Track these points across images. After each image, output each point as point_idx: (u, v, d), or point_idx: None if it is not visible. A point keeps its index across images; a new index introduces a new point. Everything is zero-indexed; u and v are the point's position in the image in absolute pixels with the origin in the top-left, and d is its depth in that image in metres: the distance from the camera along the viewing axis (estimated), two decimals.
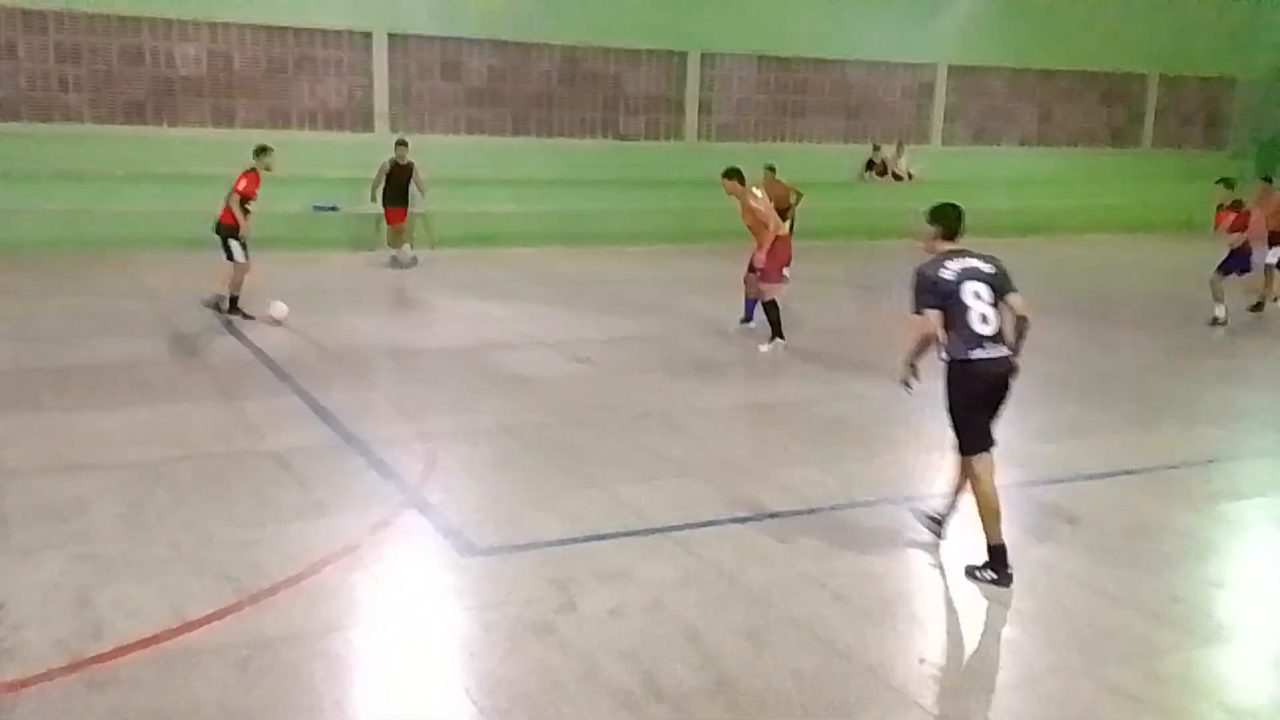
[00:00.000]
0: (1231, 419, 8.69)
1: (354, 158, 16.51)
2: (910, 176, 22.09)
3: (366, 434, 7.44)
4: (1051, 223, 21.90)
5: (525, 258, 16.96)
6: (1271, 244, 13.17)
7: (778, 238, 10.90)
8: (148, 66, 16.97)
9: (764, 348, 10.82)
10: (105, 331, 10.68)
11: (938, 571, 5.56)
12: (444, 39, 18.63)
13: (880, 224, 20.60)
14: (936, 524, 5.85)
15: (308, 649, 4.48)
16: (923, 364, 5.49)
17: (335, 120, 18.01)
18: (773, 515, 6.19)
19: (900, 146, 22.08)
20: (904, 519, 6.27)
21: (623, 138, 20.08)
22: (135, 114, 16.94)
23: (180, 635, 4.55)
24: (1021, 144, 23.63)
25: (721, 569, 5.41)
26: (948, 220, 5.53)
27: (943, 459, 7.61)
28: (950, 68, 22.66)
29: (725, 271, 15.42)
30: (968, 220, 5.54)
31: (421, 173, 16.21)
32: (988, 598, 5.23)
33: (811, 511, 6.28)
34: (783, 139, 21.22)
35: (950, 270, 5.31)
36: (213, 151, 16.77)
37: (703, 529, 5.93)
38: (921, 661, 4.58)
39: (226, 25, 17.29)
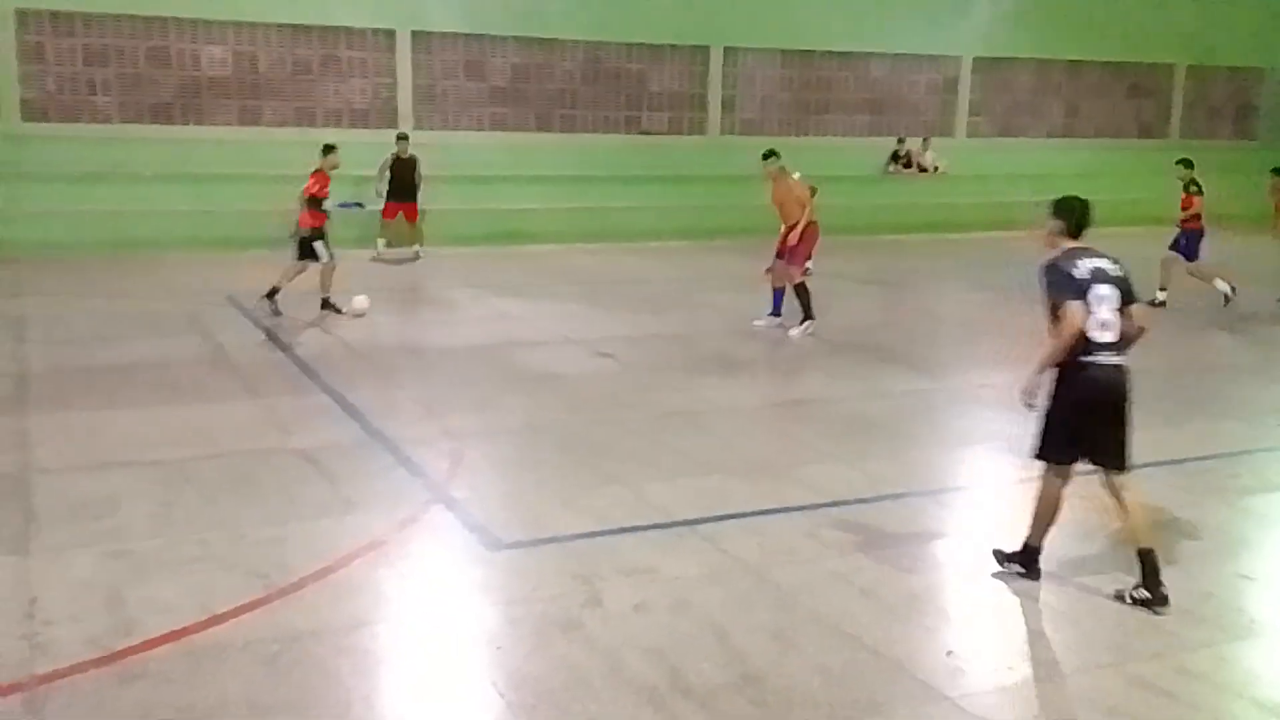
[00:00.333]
0: (1260, 413, 8.59)
1: (379, 156, 16.57)
2: (935, 170, 21.97)
3: (393, 431, 7.48)
4: None
5: (548, 255, 16.98)
6: None
7: (810, 224, 10.89)
8: (175, 68, 17.10)
9: (794, 331, 10.87)
10: (135, 332, 10.78)
11: (965, 567, 5.53)
12: (467, 36, 18.67)
13: (905, 219, 20.51)
14: (1155, 590, 5.00)
15: (335, 644, 4.51)
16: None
17: (360, 119, 18.08)
18: (799, 510, 6.17)
19: (925, 140, 21.95)
20: (928, 512, 6.24)
21: (646, 134, 20.06)
22: (163, 115, 17.07)
23: (209, 630, 4.59)
24: (1048, 137, 23.44)
25: (747, 565, 5.40)
26: (1073, 215, 5.14)
27: (967, 453, 7.62)
28: (975, 60, 22.50)
29: (749, 268, 15.38)
30: (1094, 215, 5.15)
31: (422, 167, 16.23)
32: (1016, 593, 5.20)
33: (837, 505, 6.26)
34: (806, 134, 21.13)
35: (1081, 269, 4.96)
36: (240, 151, 16.92)
37: (728, 525, 5.93)
38: (949, 654, 4.56)
39: (252, 25, 17.39)
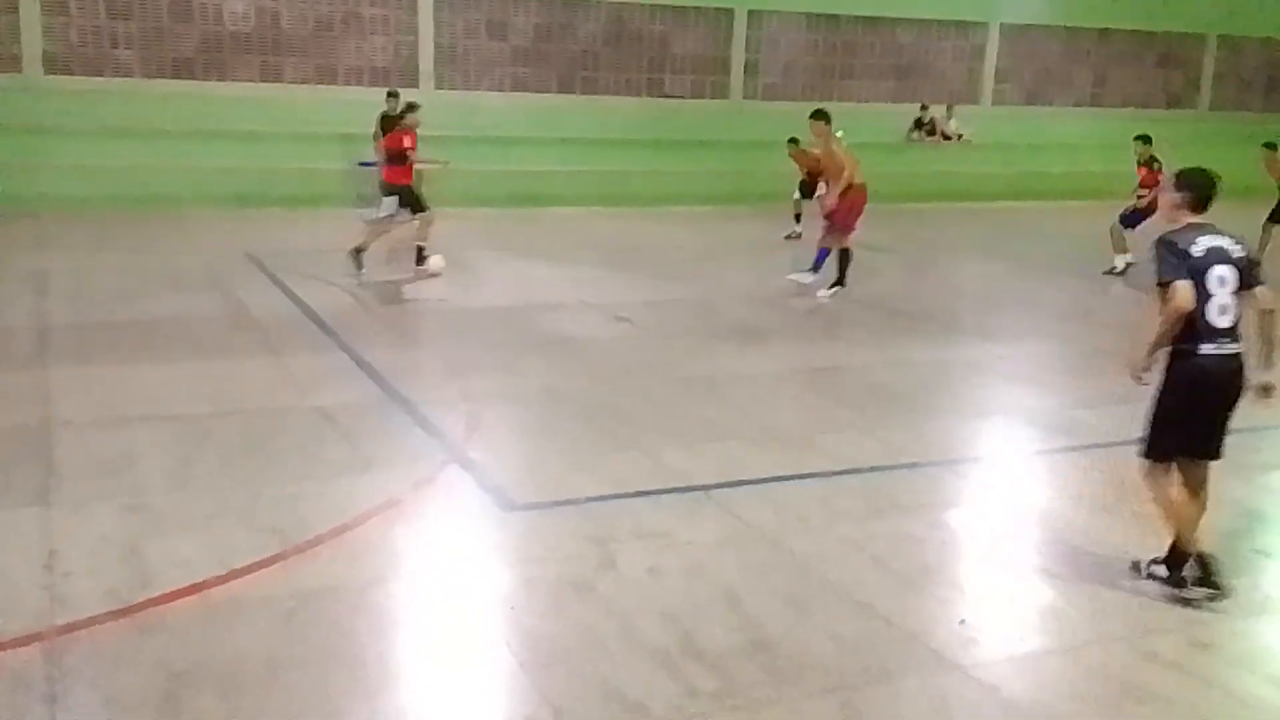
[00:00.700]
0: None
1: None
2: (959, 138, 21.74)
3: (411, 392, 7.50)
4: (1105, 187, 21.37)
5: (569, 218, 16.93)
6: None
7: (851, 186, 10.88)
8: (197, 22, 17.06)
9: (823, 293, 10.87)
10: (156, 288, 10.83)
11: (980, 538, 5.52)
12: None
13: (928, 187, 20.32)
14: (1202, 579, 4.82)
15: (351, 601, 4.54)
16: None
17: (381, 77, 18.01)
18: (815, 476, 6.17)
19: (950, 108, 21.71)
20: (944, 484, 6.22)
21: (668, 98, 19.92)
22: (185, 70, 17.06)
23: (227, 585, 4.64)
24: (1075, 106, 23.14)
25: (763, 531, 5.41)
26: (1198, 188, 4.78)
27: (985, 424, 7.58)
28: (1003, 27, 22.20)
29: (770, 234, 15.34)
30: (1221, 189, 4.81)
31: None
32: (1030, 565, 5.19)
33: (854, 474, 6.25)
34: (830, 99, 20.91)
35: (1200, 245, 4.62)
36: (261, 108, 16.91)
37: (744, 490, 5.92)
38: (962, 623, 4.56)
39: None
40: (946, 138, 21.72)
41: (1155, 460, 4.87)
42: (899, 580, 4.94)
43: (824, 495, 5.92)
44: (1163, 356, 4.72)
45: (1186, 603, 4.77)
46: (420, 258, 11.76)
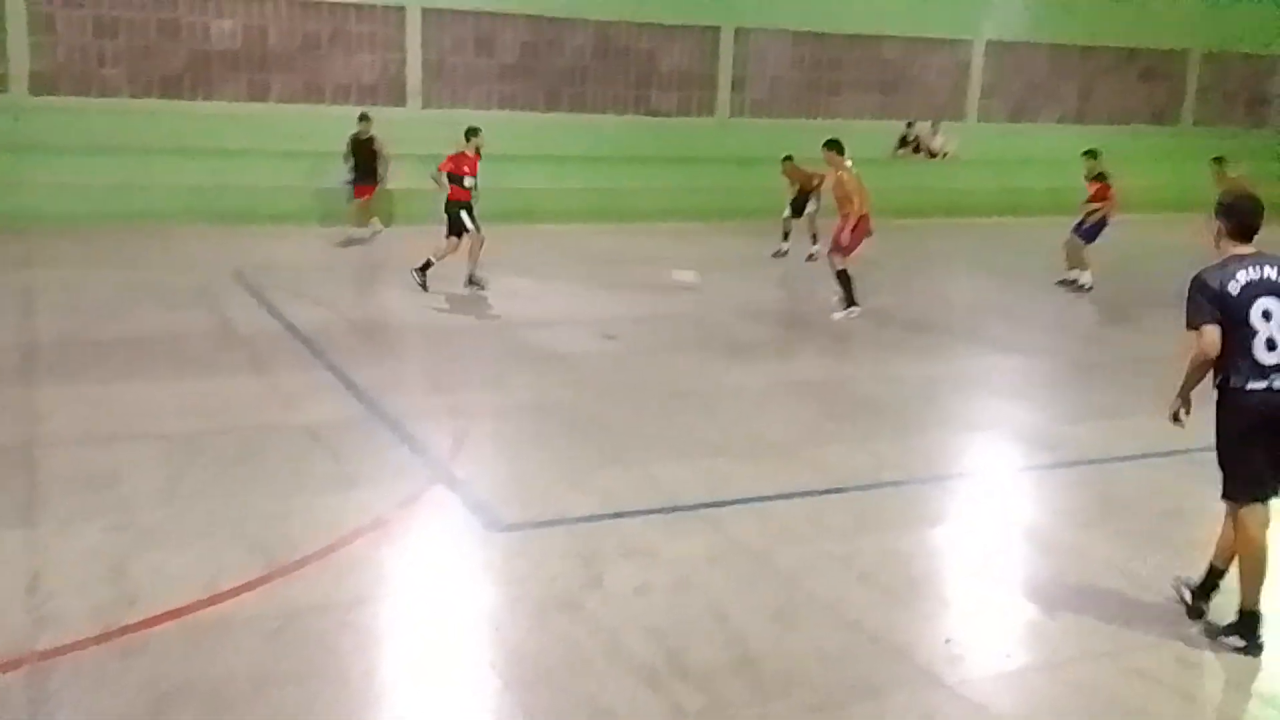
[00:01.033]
0: None
1: (387, 133, 16.51)
2: (945, 154, 21.84)
3: (397, 409, 7.49)
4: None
5: (557, 234, 16.94)
6: None
7: (863, 217, 11.10)
8: (184, 40, 17.05)
9: (838, 315, 10.92)
10: (143, 305, 10.79)
11: (966, 554, 5.53)
12: (477, 13, 18.58)
13: (914, 202, 20.36)
14: (1197, 600, 4.80)
15: (337, 620, 4.53)
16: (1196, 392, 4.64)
17: (369, 95, 18.01)
18: (802, 494, 6.17)
19: (935, 124, 21.82)
20: (931, 500, 6.24)
21: (655, 114, 19.97)
22: (172, 88, 17.03)
23: (213, 605, 4.62)
24: (1060, 122, 23.28)
25: (749, 548, 5.41)
26: (1241, 216, 4.57)
27: (972, 439, 7.60)
28: (989, 44, 22.34)
29: (758, 250, 15.37)
30: (1264, 216, 4.60)
31: (385, 148, 15.88)
32: (1017, 582, 5.20)
33: (840, 490, 6.26)
34: (816, 115, 21.02)
35: (1239, 280, 4.43)
36: (249, 126, 16.89)
37: (732, 507, 5.93)
38: (948, 642, 4.56)
39: None
40: (932, 154, 21.82)
41: (1235, 502, 4.61)
42: (886, 596, 4.94)
43: (812, 511, 5.93)
44: (1212, 395, 4.55)
45: (1190, 623, 4.74)
46: (471, 279, 11.99)
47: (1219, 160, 13.78)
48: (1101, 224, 13.17)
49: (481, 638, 4.55)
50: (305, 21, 17.68)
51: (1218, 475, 4.75)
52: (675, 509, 5.88)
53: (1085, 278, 13.11)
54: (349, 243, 15.22)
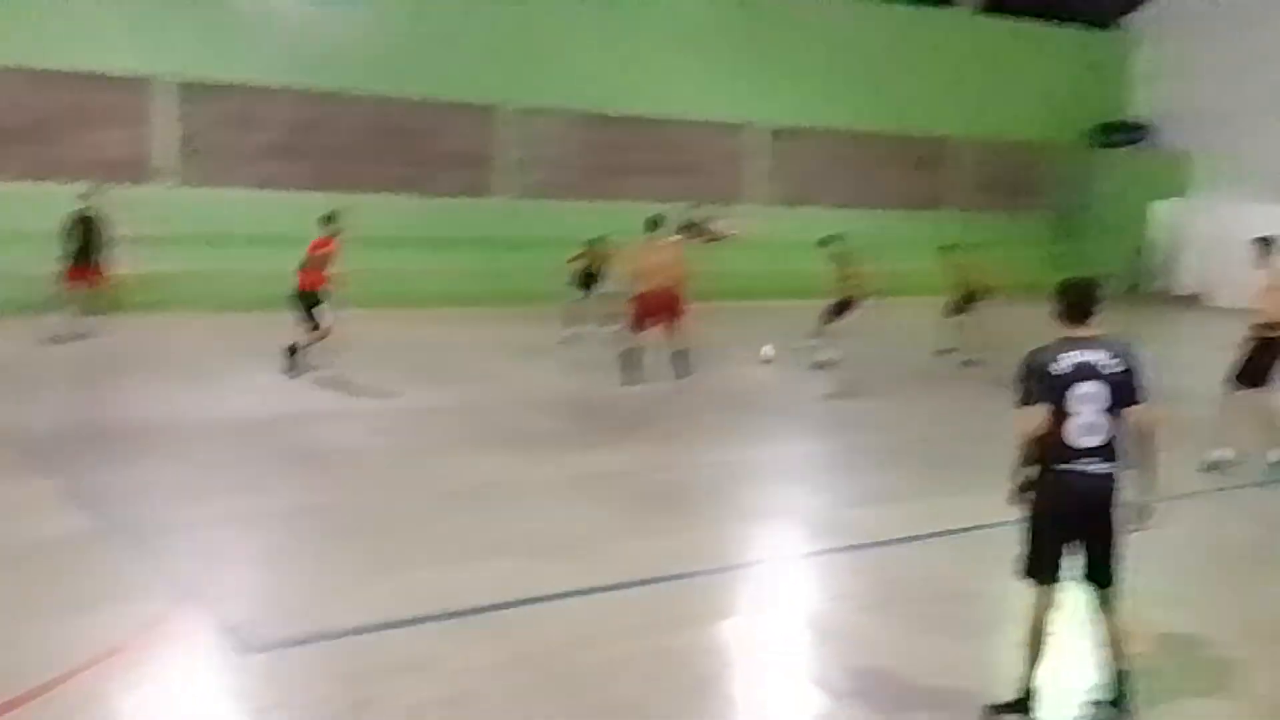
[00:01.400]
0: None
1: (131, 214, 15.72)
2: (728, 238, 22.73)
3: (139, 521, 7.04)
4: (871, 285, 22.91)
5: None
6: (968, 301, 14.75)
7: (642, 293, 11.76)
8: None
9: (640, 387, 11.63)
10: None
11: (754, 646, 5.63)
12: (238, 87, 18.16)
13: (698, 286, 21.05)
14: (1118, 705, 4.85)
15: None
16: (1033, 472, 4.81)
17: (112, 172, 17.13)
18: (592, 592, 6.15)
19: (719, 207, 22.71)
20: (719, 592, 6.34)
21: (435, 194, 19.95)
22: None
23: None
24: (839, 206, 24.70)
25: (536, 654, 5.33)
26: (1069, 300, 4.80)
27: (760, 527, 7.81)
28: (772, 129, 23.59)
29: (543, 336, 15.47)
30: (1101, 302, 4.82)
31: (111, 227, 14.81)
32: (805, 674, 5.33)
33: (630, 586, 6.27)
34: (602, 197, 21.52)
35: (1064, 362, 4.65)
36: None
37: (516, 610, 5.84)
38: None
39: None
40: (715, 238, 22.68)
41: (1025, 578, 4.83)
42: (678, 696, 4.96)
43: (600, 611, 5.92)
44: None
45: (970, 704, 4.89)
46: (293, 359, 12.09)
47: (948, 248, 15.04)
48: (848, 304, 14.21)
49: None
50: (42, 93, 16.80)
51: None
52: (454, 615, 5.74)
53: (832, 353, 14.08)
54: (71, 336, 13.88)
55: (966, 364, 14.37)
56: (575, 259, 16.01)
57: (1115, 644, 4.83)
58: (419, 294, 18.27)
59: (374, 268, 18.01)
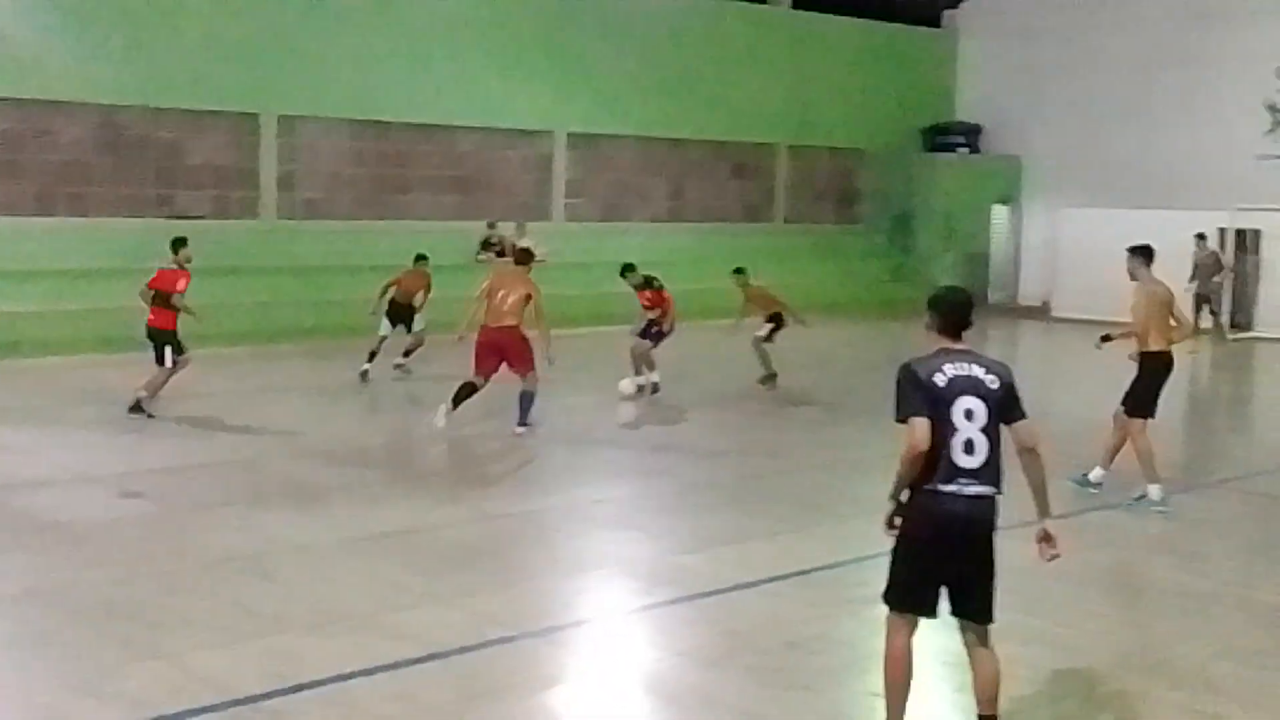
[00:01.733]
0: (877, 509, 9.51)
1: None
2: (534, 258, 22.81)
3: None
4: (687, 306, 23.30)
5: (54, 369, 15.75)
6: (776, 326, 15.46)
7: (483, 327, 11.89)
8: None
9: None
10: None
11: (584, 714, 5.63)
12: None
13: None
14: None
15: None
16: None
17: None
18: (389, 668, 6.02)
19: (520, 225, 22.76)
20: (542, 657, 6.31)
21: (183, 217, 19.22)
22: None
23: None
24: (653, 221, 25.13)
25: None
26: (944, 310, 5.02)
27: (584, 581, 7.82)
28: (570, 136, 23.79)
29: (319, 377, 15.12)
30: (974, 311, 5.09)
31: None
32: None
33: (436, 657, 6.17)
34: (384, 217, 21.24)
35: (946, 374, 4.83)
36: None
37: (298, 695, 5.66)
38: None
39: None
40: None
41: (893, 609, 4.96)
42: None
43: (402, 688, 5.80)
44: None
45: None
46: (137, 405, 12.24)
47: (740, 271, 15.82)
48: (663, 331, 14.60)
49: None
50: None
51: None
52: (222, 706, 5.52)
53: (654, 378, 14.45)
54: None
55: (765, 382, 14.95)
56: (387, 286, 15.55)
57: (992, 686, 4.92)
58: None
59: (105, 306, 17.20)
